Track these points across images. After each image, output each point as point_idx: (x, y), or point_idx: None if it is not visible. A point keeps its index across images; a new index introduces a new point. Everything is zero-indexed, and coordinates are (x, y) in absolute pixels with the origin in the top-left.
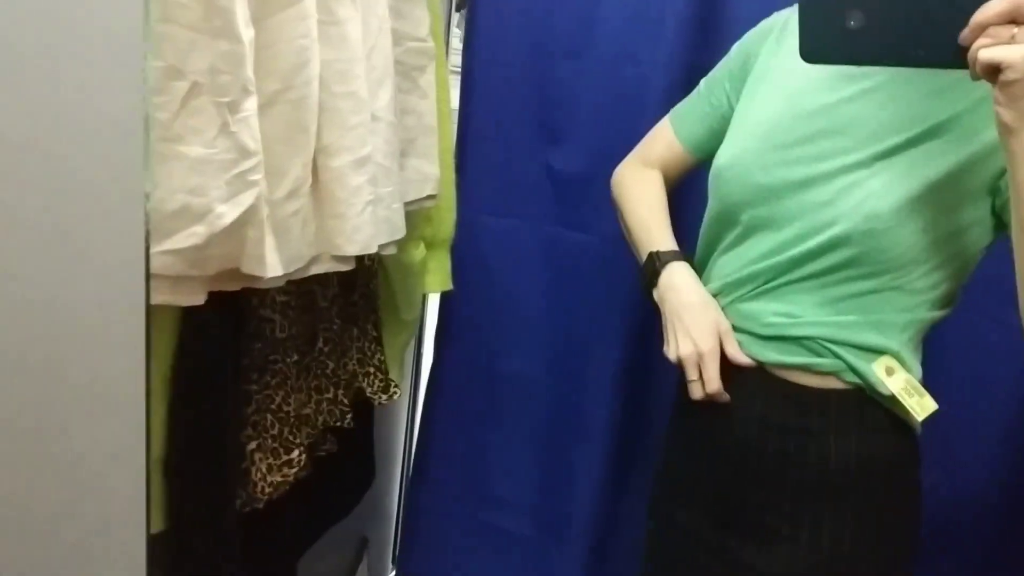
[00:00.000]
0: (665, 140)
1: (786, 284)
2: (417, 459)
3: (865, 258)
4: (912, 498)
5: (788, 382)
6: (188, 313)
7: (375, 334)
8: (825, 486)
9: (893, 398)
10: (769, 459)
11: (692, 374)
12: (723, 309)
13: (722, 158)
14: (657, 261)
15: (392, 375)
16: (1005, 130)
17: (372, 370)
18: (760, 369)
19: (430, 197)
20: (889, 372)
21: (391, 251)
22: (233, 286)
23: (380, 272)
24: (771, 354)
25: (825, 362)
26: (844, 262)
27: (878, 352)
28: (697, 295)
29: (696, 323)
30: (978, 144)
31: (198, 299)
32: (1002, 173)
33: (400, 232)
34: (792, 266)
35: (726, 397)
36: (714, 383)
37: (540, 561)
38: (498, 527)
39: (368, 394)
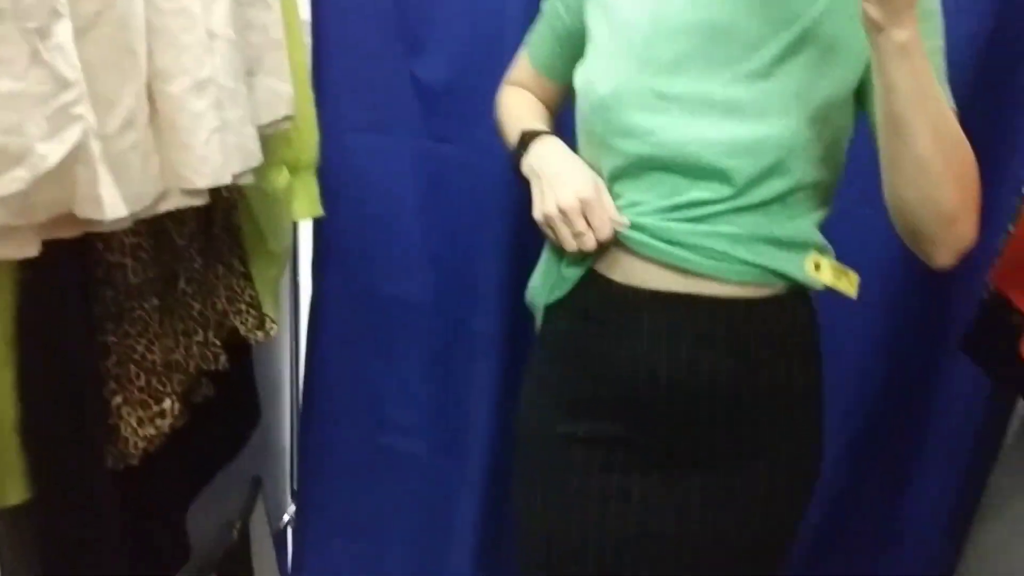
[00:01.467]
0: (525, 68)
1: (695, 217)
2: (306, 391)
3: (772, 171)
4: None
5: (700, 296)
6: (25, 267)
7: (243, 269)
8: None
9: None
10: (690, 378)
11: (579, 224)
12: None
13: (600, 87)
14: (527, 136)
15: (267, 310)
16: (872, 26)
17: (244, 307)
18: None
19: (286, 118)
20: (817, 266)
21: (248, 180)
22: (71, 232)
23: (241, 203)
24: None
25: (744, 268)
26: (748, 183)
27: (803, 248)
28: (571, 157)
29: (573, 176)
30: (848, 41)
31: (30, 251)
32: (868, 64)
33: (256, 159)
34: (691, 205)
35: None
36: (605, 229)
37: (438, 481)
38: (394, 450)
39: (243, 332)
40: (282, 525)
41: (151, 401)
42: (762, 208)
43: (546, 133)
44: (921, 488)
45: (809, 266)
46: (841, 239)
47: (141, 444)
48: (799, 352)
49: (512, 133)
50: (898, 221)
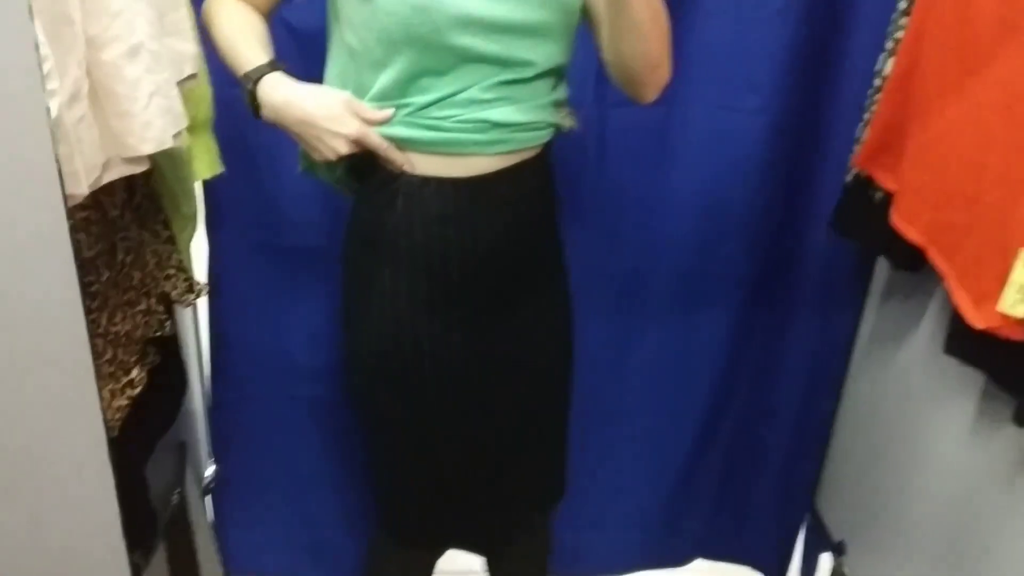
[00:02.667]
0: None
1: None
2: (213, 351)
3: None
4: None
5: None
6: None
7: (167, 234)
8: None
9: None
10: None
11: (380, 151)
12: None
13: None
14: (250, 83)
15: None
16: None
17: (172, 272)
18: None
19: (191, 77)
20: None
21: (180, 143)
22: None
23: (155, 170)
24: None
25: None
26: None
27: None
28: (307, 95)
29: (326, 118)
30: None
31: None
32: None
33: (183, 120)
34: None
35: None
36: (392, 152)
37: (350, 422)
38: (308, 397)
39: (174, 297)
40: (205, 486)
41: (121, 373)
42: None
43: (264, 72)
44: (800, 345)
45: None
46: (717, 139)
47: (118, 416)
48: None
49: (231, 65)
50: (615, 72)
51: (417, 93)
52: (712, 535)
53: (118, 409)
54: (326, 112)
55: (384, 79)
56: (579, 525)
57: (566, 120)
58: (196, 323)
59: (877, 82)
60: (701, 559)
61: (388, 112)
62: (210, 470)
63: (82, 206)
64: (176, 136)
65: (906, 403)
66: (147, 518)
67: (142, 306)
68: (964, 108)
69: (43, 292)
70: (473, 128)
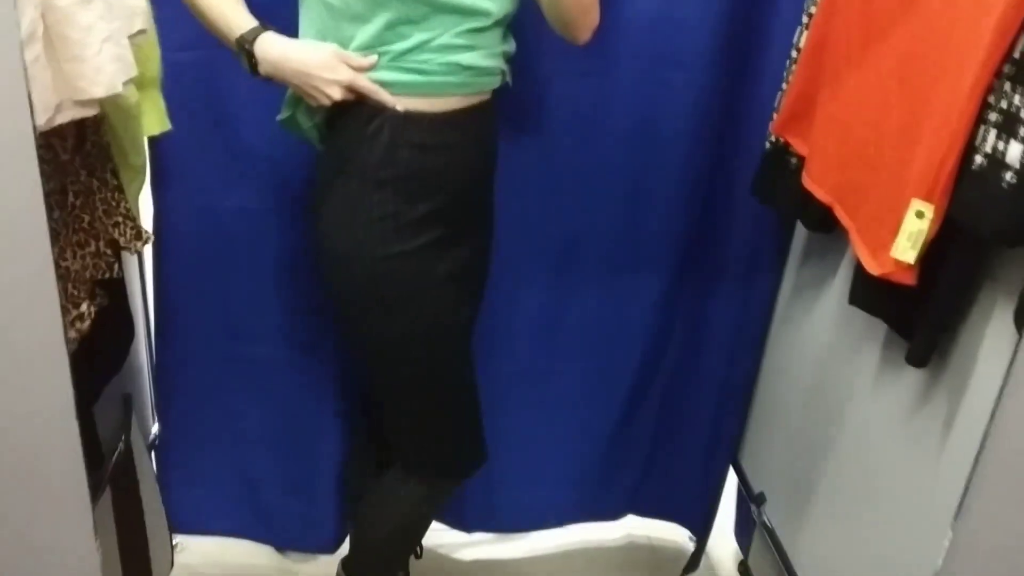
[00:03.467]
0: None
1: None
2: (157, 309)
3: None
4: None
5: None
6: None
7: (115, 182)
8: None
9: None
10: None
11: (371, 93)
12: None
13: None
14: (247, 44)
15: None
16: None
17: (120, 219)
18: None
19: (140, 32)
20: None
21: (129, 92)
22: None
23: (104, 120)
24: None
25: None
26: None
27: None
28: (301, 49)
29: (320, 67)
30: None
31: None
32: None
33: (133, 70)
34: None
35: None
36: (381, 93)
37: (295, 380)
38: (251, 356)
39: (122, 244)
40: (148, 443)
41: (71, 306)
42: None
43: (258, 32)
44: (725, 307)
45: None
46: (647, 111)
47: (70, 347)
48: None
49: (219, 31)
50: (552, 17)
51: (396, 40)
52: (642, 492)
53: (69, 341)
54: (320, 62)
55: (366, 31)
56: (516, 481)
57: (507, 74)
58: (143, 280)
59: (794, 54)
60: (632, 515)
61: (373, 59)
62: (155, 428)
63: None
64: (126, 84)
65: (820, 358)
66: (94, 458)
67: (91, 248)
68: (866, 76)
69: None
70: (447, 71)
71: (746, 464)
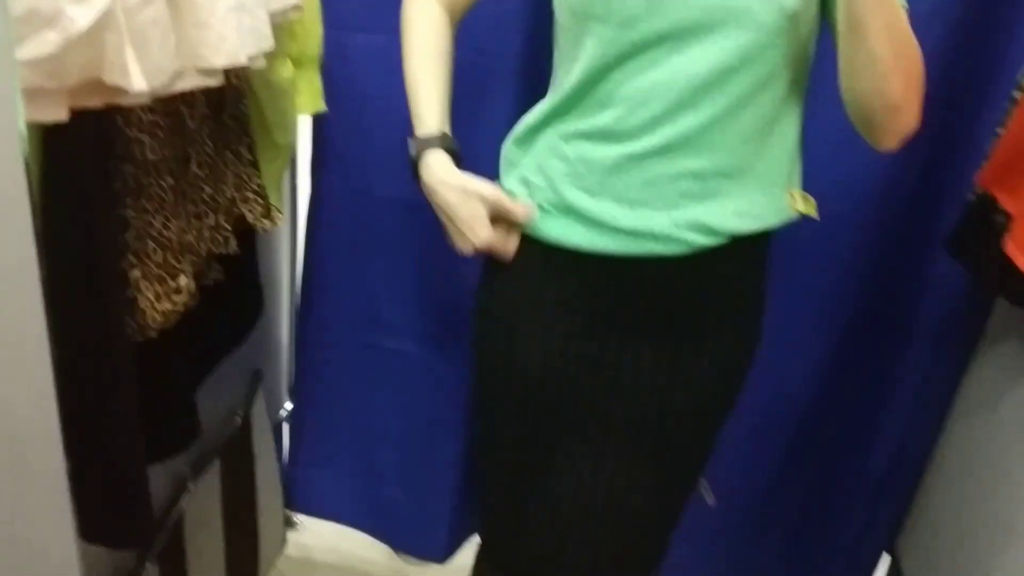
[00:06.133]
0: None
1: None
2: (303, 289)
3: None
4: None
5: None
6: (52, 136)
7: (250, 158)
8: None
9: None
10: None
11: (497, 254)
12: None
13: None
14: (414, 149)
15: (271, 201)
16: None
17: (251, 195)
18: None
19: (295, 8)
20: None
21: (260, 64)
22: (96, 102)
23: (249, 94)
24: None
25: None
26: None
27: None
28: (455, 188)
29: (467, 221)
30: None
31: (60, 114)
32: None
33: (267, 42)
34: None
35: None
36: (509, 253)
37: (429, 379)
38: (387, 348)
39: (250, 220)
40: (279, 419)
41: (167, 277)
42: None
43: (429, 146)
44: (905, 377)
45: None
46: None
47: (158, 318)
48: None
49: (409, 102)
50: (851, 110)
51: None
52: (789, 563)
53: (163, 313)
54: (467, 215)
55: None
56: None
57: None
58: (293, 259)
59: (1016, 94)
60: None
61: (528, 209)
62: (287, 405)
63: (150, 109)
64: (254, 58)
65: (1004, 460)
66: (187, 428)
67: (209, 220)
68: None
69: None
70: None
71: (903, 556)
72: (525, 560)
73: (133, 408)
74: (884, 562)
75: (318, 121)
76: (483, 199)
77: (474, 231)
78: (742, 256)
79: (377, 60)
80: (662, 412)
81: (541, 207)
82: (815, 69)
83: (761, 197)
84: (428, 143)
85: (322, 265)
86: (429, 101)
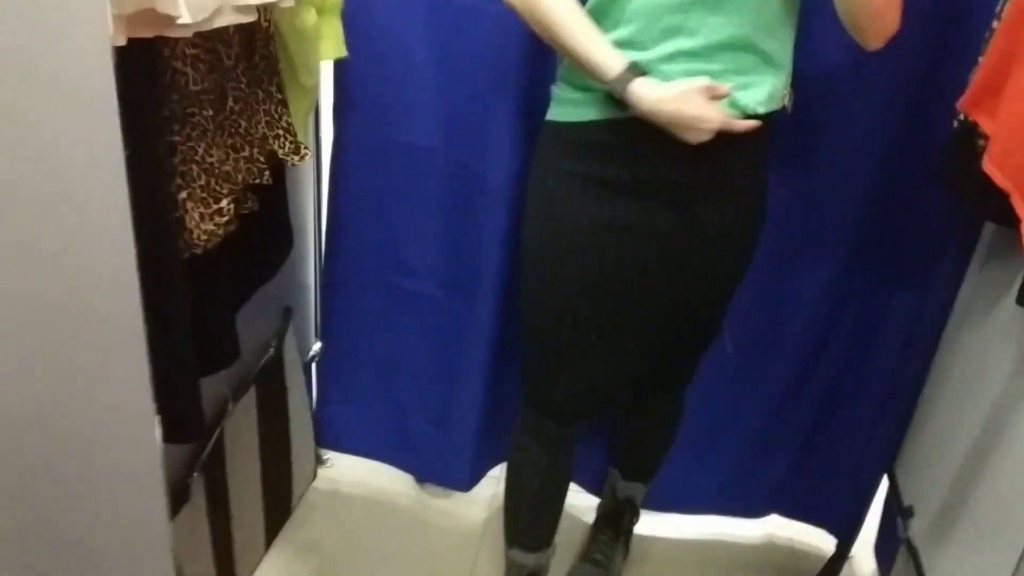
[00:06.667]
0: None
1: None
2: (328, 232)
3: None
4: None
5: None
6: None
7: (280, 96)
8: None
9: None
10: None
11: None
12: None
13: None
14: (619, 87)
15: (299, 139)
16: None
17: (281, 132)
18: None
19: None
20: None
21: (288, 3)
22: (148, 32)
23: (277, 37)
24: None
25: None
26: None
27: None
28: (672, 96)
29: (694, 118)
30: None
31: (120, 40)
32: None
33: None
34: None
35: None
36: (740, 125)
37: (451, 319)
38: (411, 291)
39: (280, 156)
40: (307, 359)
41: (211, 200)
42: None
43: (629, 78)
44: (898, 305)
45: None
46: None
47: (203, 237)
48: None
49: (576, 54)
50: (842, 17)
51: None
52: (789, 489)
53: (206, 232)
54: (695, 111)
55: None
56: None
57: None
58: (318, 202)
59: (994, 24)
60: (776, 515)
61: (729, 87)
62: (315, 346)
63: (193, 44)
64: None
65: (992, 374)
66: (229, 347)
67: (245, 153)
68: None
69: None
70: None
71: (900, 473)
72: (562, 397)
73: (185, 310)
74: (884, 486)
75: (340, 67)
76: (698, 91)
77: (706, 119)
78: (756, 135)
79: (396, 9)
80: (684, 267)
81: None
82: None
83: (779, 84)
84: (627, 77)
85: (346, 209)
86: (598, 44)
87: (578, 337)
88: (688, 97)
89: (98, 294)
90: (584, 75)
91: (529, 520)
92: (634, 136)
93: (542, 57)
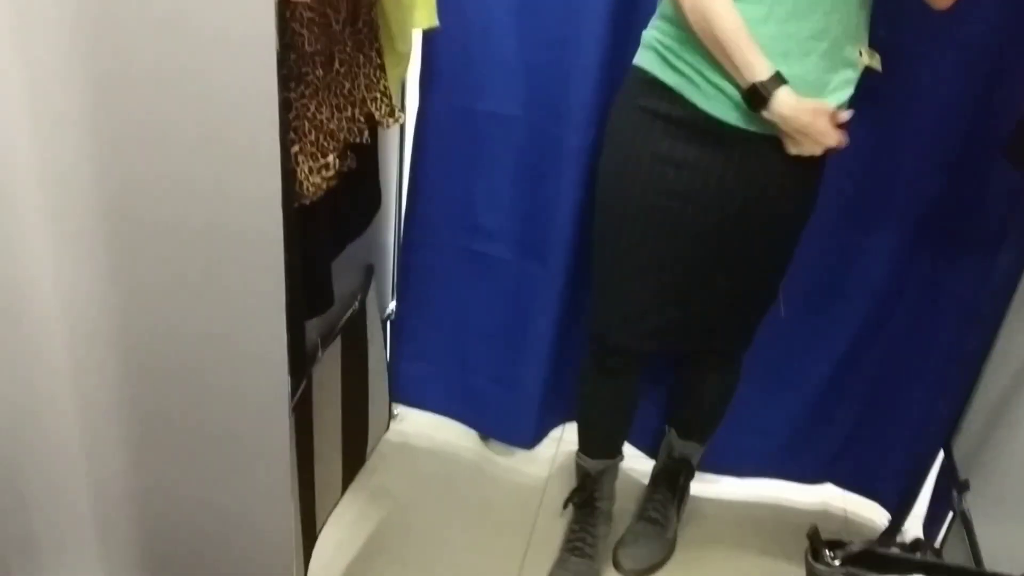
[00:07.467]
0: None
1: None
2: (409, 196)
3: None
4: None
5: None
6: None
7: (379, 61)
8: None
9: None
10: None
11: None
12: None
13: None
14: (763, 90)
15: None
16: None
17: (379, 95)
18: None
19: None
20: None
21: None
22: None
23: (377, 5)
24: None
25: None
26: None
27: None
28: (807, 111)
29: (818, 133)
30: None
31: None
32: None
33: None
34: None
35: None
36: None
37: (523, 283)
38: (485, 255)
39: (377, 118)
40: (385, 317)
41: (319, 154)
42: None
43: (775, 85)
44: (963, 280)
45: None
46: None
47: (311, 189)
48: None
49: (733, 56)
50: None
51: None
52: (845, 460)
53: (313, 184)
54: (821, 128)
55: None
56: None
57: None
58: (401, 166)
59: None
60: (831, 484)
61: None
62: (391, 305)
63: (309, 7)
64: None
65: None
66: (325, 295)
67: (348, 113)
68: None
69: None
70: None
71: (957, 449)
72: (619, 321)
73: (296, 256)
74: (939, 460)
75: (427, 37)
76: (828, 114)
77: (828, 138)
78: None
79: None
80: (736, 212)
81: None
82: None
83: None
84: (774, 83)
85: (425, 174)
86: (751, 48)
87: (633, 263)
88: (819, 114)
89: (246, 223)
90: (724, 70)
91: (589, 434)
92: None
93: (622, 29)
